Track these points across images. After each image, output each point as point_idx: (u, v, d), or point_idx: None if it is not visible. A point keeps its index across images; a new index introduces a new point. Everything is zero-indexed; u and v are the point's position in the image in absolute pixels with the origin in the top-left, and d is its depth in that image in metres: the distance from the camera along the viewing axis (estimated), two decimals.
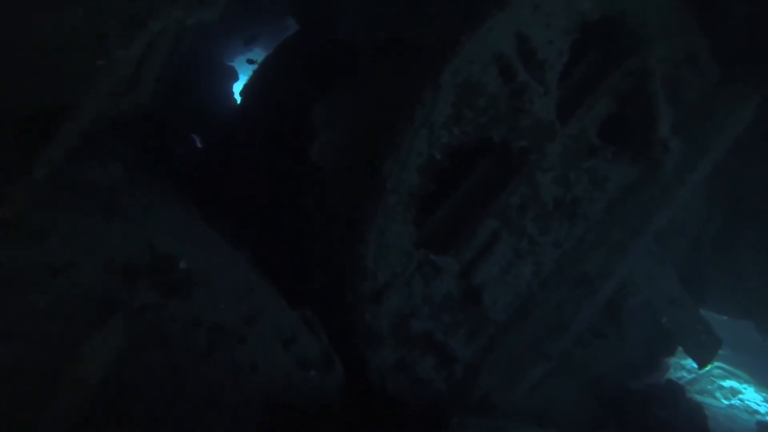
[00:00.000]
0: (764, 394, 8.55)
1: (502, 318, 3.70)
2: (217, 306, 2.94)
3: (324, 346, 3.38)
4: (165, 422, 2.71)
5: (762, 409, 8.09)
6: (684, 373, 8.07)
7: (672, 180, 3.90)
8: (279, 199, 4.26)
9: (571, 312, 3.65)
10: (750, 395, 8.38)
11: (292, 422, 3.08)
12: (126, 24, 2.31)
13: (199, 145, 6.98)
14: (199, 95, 6.19)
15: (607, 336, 4.17)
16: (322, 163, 3.51)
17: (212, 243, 3.26)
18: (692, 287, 4.49)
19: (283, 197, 4.20)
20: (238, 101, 6.39)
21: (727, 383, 8.44)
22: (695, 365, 4.56)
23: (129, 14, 2.33)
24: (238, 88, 6.65)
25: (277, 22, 6.99)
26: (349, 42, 4.33)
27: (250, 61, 6.78)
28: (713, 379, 8.43)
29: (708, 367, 5.19)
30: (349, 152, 3.37)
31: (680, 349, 4.50)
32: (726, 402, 8.11)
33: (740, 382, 8.57)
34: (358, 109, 3.50)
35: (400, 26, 3.81)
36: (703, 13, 4.07)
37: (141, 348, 2.63)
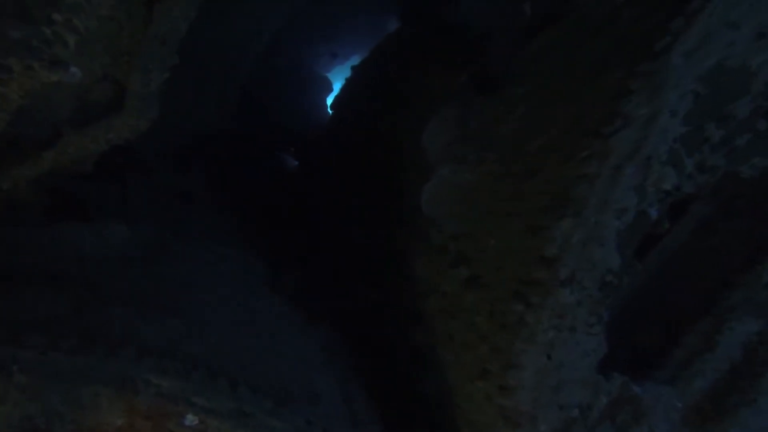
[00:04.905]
0: None
1: None
2: None
3: None
4: None
5: None
6: None
7: None
8: (374, 254, 2.89)
9: None
10: None
11: None
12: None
13: (289, 164, 5.88)
14: (286, 109, 5.03)
15: None
16: (438, 218, 2.08)
17: (252, 356, 1.91)
18: None
19: (380, 253, 2.82)
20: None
21: None
22: None
23: None
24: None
25: (373, 27, 5.65)
26: (471, 28, 2.85)
27: (334, 55, 5.38)
28: None
29: None
30: (484, 206, 1.90)
31: None
32: None
33: None
34: (497, 130, 2.02)
35: None
36: None
37: None
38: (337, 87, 5.13)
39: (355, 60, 5.65)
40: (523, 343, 1.72)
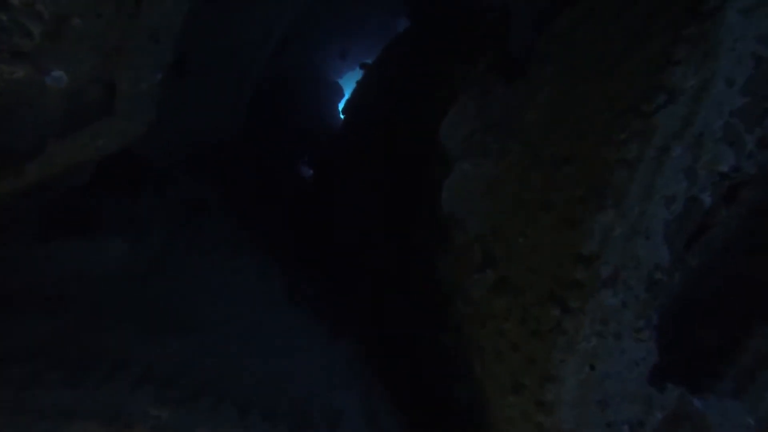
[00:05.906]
0: None
1: None
2: None
3: None
4: None
5: None
6: None
7: None
8: (396, 258, 2.71)
9: None
10: None
11: None
12: None
13: (304, 171, 5.74)
14: (299, 115, 4.90)
15: None
16: (461, 216, 1.89)
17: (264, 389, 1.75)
18: None
19: (402, 256, 2.64)
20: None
21: None
22: None
23: None
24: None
25: (383, 26, 5.49)
26: (488, 12, 2.66)
27: (343, 54, 5.22)
28: None
29: None
30: (510, 200, 1.70)
31: None
32: None
33: None
34: (521, 116, 1.82)
35: None
36: None
37: None
38: (347, 93, 5.00)
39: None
40: (562, 353, 1.52)
